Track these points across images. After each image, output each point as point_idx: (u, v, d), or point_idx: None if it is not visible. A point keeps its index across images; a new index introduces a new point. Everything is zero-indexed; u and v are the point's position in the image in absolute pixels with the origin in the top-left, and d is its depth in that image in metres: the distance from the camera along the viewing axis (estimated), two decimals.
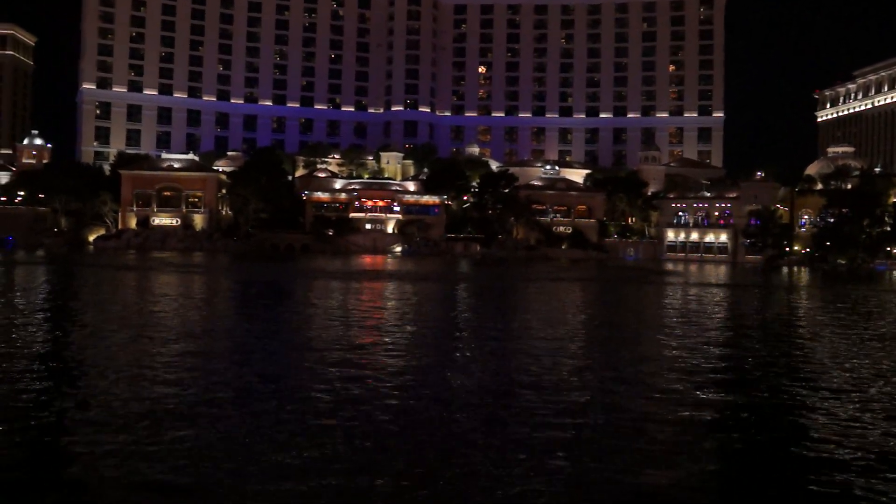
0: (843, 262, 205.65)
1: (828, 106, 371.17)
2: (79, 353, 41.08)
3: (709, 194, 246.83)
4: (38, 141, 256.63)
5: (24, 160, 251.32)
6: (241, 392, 31.69)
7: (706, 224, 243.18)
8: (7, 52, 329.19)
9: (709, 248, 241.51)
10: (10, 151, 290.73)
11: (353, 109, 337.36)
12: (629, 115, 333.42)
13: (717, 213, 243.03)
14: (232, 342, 45.80)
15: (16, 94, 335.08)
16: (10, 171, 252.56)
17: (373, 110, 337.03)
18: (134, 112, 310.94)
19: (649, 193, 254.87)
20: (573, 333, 53.70)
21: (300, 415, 28.08)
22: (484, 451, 24.53)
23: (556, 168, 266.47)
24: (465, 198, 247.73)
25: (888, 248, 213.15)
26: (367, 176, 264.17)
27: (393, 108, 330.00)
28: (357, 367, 37.27)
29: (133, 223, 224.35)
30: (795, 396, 33.23)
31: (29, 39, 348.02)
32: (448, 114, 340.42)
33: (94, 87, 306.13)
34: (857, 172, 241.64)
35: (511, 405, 30.29)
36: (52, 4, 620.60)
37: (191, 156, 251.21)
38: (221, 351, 42.28)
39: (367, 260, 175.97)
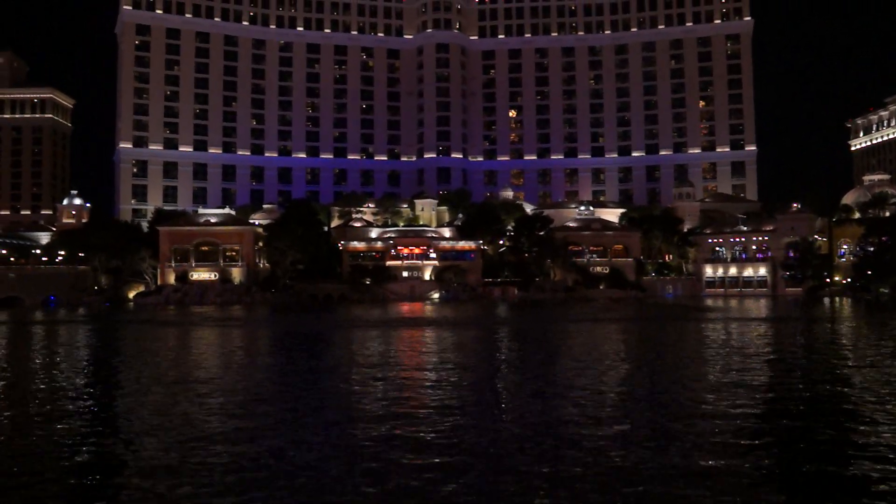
0: (886, 290, 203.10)
1: (861, 134, 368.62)
2: (126, 413, 41.40)
3: (745, 228, 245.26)
4: (78, 201, 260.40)
5: (64, 220, 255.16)
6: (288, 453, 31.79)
7: (744, 258, 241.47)
8: (47, 116, 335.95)
9: (748, 282, 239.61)
10: (51, 212, 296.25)
11: (385, 158, 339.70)
12: (661, 153, 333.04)
13: (754, 247, 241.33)
14: (274, 399, 45.92)
15: (55, 156, 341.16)
16: (51, 231, 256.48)
17: (405, 158, 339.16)
18: (170, 169, 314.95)
19: (685, 230, 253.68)
20: (618, 375, 53.36)
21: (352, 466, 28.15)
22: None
23: (591, 208, 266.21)
24: (500, 242, 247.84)
25: None
26: (402, 224, 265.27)
27: (426, 156, 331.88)
28: (404, 423, 37.27)
29: (172, 279, 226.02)
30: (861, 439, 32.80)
31: (67, 102, 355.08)
32: (480, 159, 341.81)
33: (130, 146, 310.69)
34: (894, 199, 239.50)
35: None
36: (89, 68, 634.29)
37: (227, 210, 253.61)
38: (265, 409, 42.41)
39: (406, 308, 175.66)
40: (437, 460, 28.91)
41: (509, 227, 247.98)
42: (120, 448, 32.23)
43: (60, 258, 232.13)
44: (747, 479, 26.46)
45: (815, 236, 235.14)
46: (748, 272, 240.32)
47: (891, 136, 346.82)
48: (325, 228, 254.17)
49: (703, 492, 24.86)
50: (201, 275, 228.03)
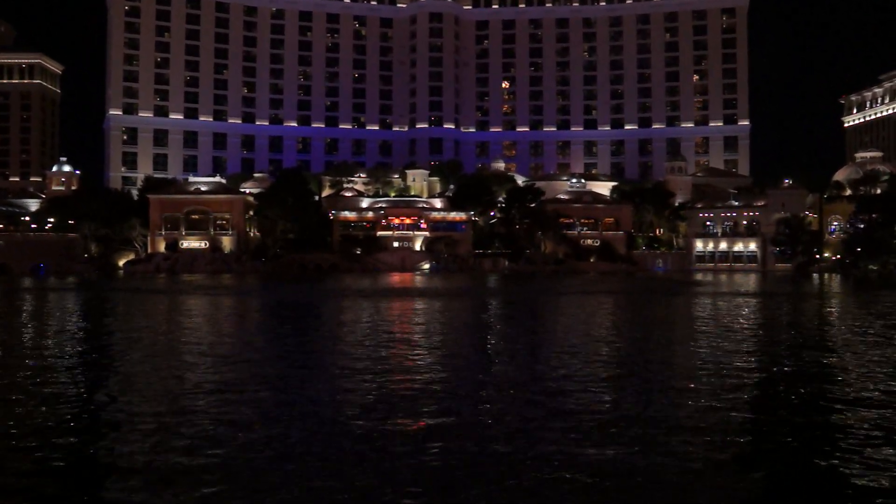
0: (875, 267, 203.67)
1: (854, 111, 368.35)
2: (111, 378, 41.02)
3: (736, 203, 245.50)
4: (67, 168, 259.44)
5: (54, 187, 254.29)
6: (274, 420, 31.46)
7: (734, 233, 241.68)
8: (35, 81, 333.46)
9: (738, 257, 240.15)
10: (40, 179, 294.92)
11: (377, 128, 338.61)
12: (654, 126, 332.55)
13: (745, 222, 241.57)
14: (263, 367, 45.60)
15: (44, 122, 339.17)
16: (40, 198, 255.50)
17: (397, 128, 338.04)
18: (160, 136, 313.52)
19: (676, 204, 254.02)
20: (606, 349, 53.13)
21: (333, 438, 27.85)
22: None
23: (583, 181, 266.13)
24: (491, 213, 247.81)
25: None
26: (393, 194, 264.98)
27: (418, 126, 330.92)
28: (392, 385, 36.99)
29: (162, 247, 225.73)
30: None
31: (56, 68, 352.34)
32: (473, 130, 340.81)
33: (120, 112, 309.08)
34: (886, 177, 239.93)
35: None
36: (78, 33, 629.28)
37: (217, 178, 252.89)
38: (253, 377, 42.08)
39: (396, 278, 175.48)
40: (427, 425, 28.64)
41: (500, 199, 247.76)
42: (102, 414, 31.87)
43: (50, 225, 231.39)
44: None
45: (806, 212, 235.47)
46: (738, 247, 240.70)
47: (884, 114, 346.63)
48: (316, 198, 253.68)
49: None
50: (191, 243, 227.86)
